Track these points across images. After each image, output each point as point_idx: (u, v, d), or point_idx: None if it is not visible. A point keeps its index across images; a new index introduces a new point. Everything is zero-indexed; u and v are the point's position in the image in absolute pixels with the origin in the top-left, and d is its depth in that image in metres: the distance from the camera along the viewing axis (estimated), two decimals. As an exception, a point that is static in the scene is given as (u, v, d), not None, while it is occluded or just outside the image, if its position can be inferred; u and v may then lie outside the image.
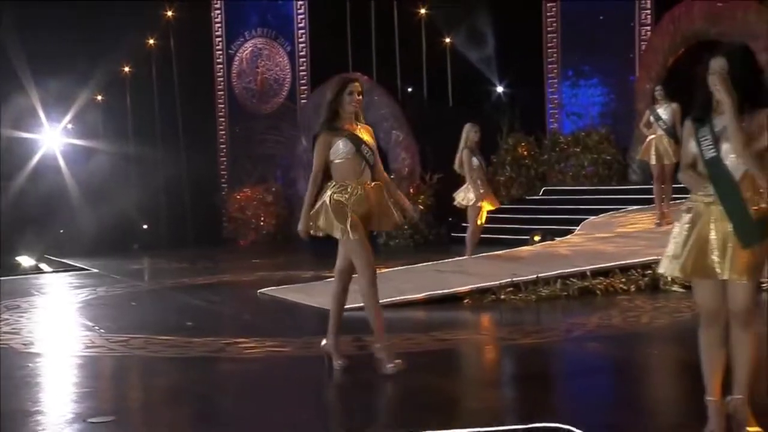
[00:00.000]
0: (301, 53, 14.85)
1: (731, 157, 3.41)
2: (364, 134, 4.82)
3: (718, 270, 3.41)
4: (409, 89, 13.96)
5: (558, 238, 10.10)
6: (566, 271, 7.88)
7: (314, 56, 14.76)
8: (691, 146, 3.53)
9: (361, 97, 4.80)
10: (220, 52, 15.32)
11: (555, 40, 13.38)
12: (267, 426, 4.07)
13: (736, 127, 3.34)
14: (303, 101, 14.74)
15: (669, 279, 7.26)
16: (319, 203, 4.79)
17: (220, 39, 15.31)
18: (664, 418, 4.16)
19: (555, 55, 13.40)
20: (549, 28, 13.38)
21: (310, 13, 14.76)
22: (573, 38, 13.23)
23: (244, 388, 4.91)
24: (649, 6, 12.79)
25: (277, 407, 4.44)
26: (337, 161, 4.74)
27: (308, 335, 6.26)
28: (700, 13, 11.72)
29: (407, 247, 12.39)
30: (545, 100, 13.56)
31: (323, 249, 13.50)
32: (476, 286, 7.64)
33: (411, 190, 12.61)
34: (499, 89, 13.69)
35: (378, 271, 9.47)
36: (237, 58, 15.28)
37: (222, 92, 15.35)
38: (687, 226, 3.48)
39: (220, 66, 15.33)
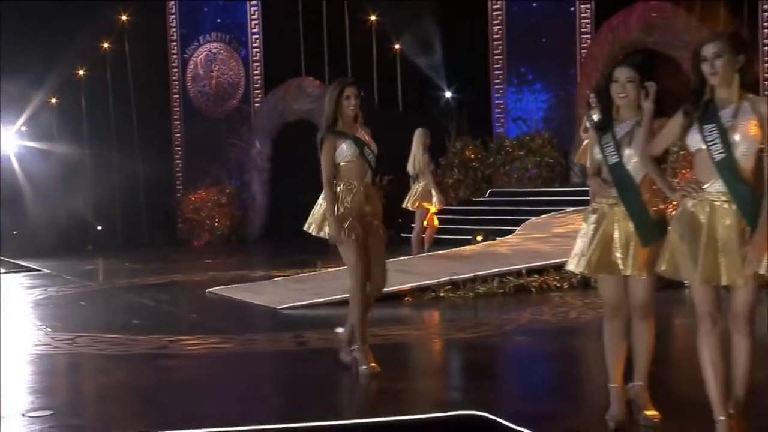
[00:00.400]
0: (255, 58, 14.89)
1: (633, 161, 3.61)
2: (366, 136, 4.85)
3: (621, 266, 3.61)
4: (361, 93, 14.06)
5: (499, 238, 10.32)
6: (504, 269, 8.09)
7: (268, 61, 14.80)
8: (596, 152, 3.72)
9: (358, 99, 4.82)
10: (175, 57, 15.29)
11: (501, 47, 13.62)
12: (201, 418, 4.16)
13: (644, 130, 3.54)
14: (257, 105, 14.79)
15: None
16: (319, 207, 4.83)
17: (175, 43, 15.28)
18: (577, 404, 4.37)
19: (501, 62, 13.64)
20: (495, 36, 13.62)
21: (264, 19, 14.82)
22: (518, 46, 13.49)
23: (183, 382, 5.00)
24: (589, 16, 13.11)
25: (212, 400, 4.54)
26: (342, 164, 4.76)
27: (250, 332, 6.38)
28: (636, 22, 12.04)
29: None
30: (491, 106, 13.79)
31: (275, 250, 13.52)
32: (416, 284, 7.80)
33: (361, 192, 12.74)
34: (448, 94, 13.89)
35: (327, 270, 9.65)
36: (192, 62, 15.26)
37: (177, 96, 15.32)
38: (593, 226, 3.67)
39: (175, 70, 15.29)
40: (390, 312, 7.26)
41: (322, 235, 4.82)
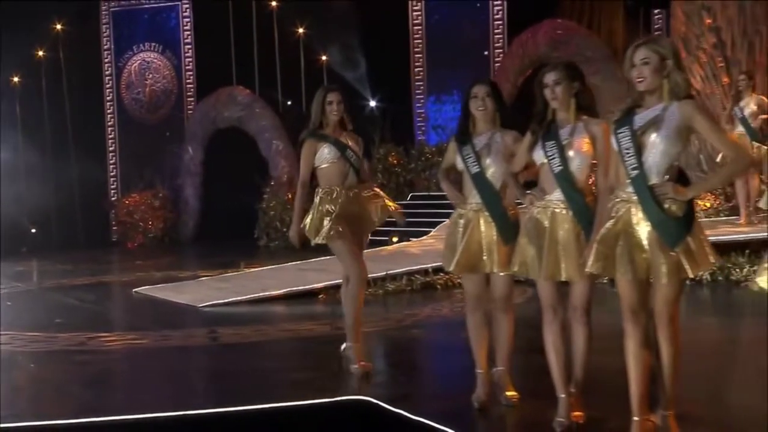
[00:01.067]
0: (188, 67, 14.96)
1: (491, 170, 3.94)
2: (349, 140, 4.76)
3: (486, 265, 3.93)
4: (288, 102, 14.29)
5: (414, 239, 10.65)
6: (413, 268, 8.41)
7: (200, 70, 14.88)
8: (458, 163, 4.03)
9: (341, 105, 4.62)
10: (109, 65, 15.23)
11: (421, 60, 14.02)
12: (107, 407, 4.34)
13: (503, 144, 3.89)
14: (190, 112, 14.86)
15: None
16: (310, 212, 4.74)
17: (108, 52, 15.22)
18: (453, 387, 4.67)
19: (421, 74, 14.04)
20: (416, 49, 14.01)
21: (196, 30, 14.90)
22: (437, 60, 13.91)
23: (95, 376, 5.14)
24: (501, 32, 13.60)
25: (120, 390, 4.71)
26: (322, 166, 4.66)
27: (168, 329, 6.53)
28: (543, 39, 12.53)
29: (285, 248, 12.60)
30: (413, 114, 14.15)
31: (205, 251, 13.49)
32: (330, 282, 8.04)
33: (289, 195, 12.96)
34: (372, 104, 14.18)
35: (250, 270, 9.74)
36: (126, 70, 15.23)
37: (111, 103, 15.27)
38: (461, 230, 3.98)
39: (109, 78, 15.22)
40: (304, 308, 7.51)
41: (319, 241, 4.66)
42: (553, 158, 3.55)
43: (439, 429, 3.96)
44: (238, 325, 6.64)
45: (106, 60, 15.22)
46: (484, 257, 3.91)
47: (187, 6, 14.87)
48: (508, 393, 4.04)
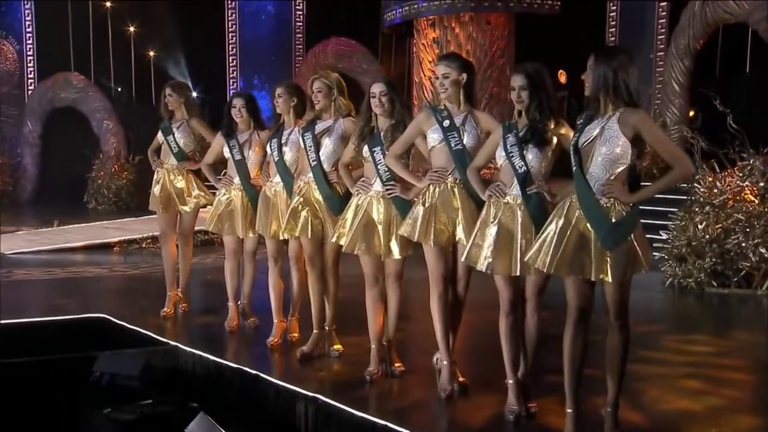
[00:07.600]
0: (29, 52, 14.66)
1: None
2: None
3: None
4: (119, 89, 14.44)
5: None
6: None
7: (40, 54, 14.63)
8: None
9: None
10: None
11: (235, 62, 14.63)
12: None
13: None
14: (30, 91, 14.58)
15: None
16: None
17: (-46, 35, 14.63)
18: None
19: (235, 73, 14.66)
20: (231, 53, 14.62)
21: (37, 20, 14.61)
22: (249, 60, 14.59)
23: None
24: (301, 42, 14.51)
25: None
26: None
27: None
28: (331, 51, 13.56)
29: (109, 211, 12.78)
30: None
31: (38, 211, 13.27)
32: (124, 237, 8.62)
33: (116, 167, 13.24)
34: (193, 94, 14.59)
35: (60, 228, 9.83)
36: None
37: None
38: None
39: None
40: (98, 257, 7.96)
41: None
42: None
43: (152, 337, 4.67)
44: (33, 267, 7.06)
45: (-48, 42, 14.58)
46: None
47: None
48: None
